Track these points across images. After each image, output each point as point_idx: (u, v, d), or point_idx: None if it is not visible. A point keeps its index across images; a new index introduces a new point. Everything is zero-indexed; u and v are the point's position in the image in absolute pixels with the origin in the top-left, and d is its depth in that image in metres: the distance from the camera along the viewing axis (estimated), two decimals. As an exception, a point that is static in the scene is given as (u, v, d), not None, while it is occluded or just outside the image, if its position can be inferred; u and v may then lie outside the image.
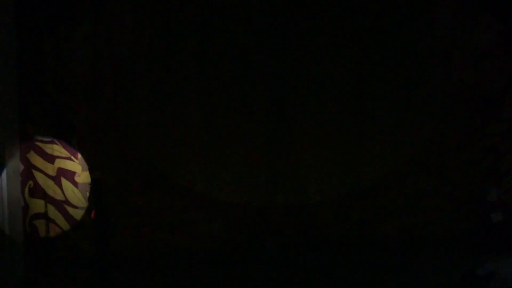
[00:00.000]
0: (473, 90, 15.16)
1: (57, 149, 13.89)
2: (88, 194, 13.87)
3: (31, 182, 13.96)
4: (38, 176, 13.95)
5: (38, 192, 13.98)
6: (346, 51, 15.05)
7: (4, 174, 11.93)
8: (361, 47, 15.05)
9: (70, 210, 14.10)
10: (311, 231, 15.04)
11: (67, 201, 14.15)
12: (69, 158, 13.76)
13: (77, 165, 14.07)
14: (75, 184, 14.17)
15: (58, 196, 14.09)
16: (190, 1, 14.72)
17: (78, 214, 14.06)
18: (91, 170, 13.90)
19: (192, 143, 14.77)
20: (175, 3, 14.65)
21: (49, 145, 13.73)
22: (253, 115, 14.99)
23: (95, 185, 12.76)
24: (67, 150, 13.71)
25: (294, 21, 14.92)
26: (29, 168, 13.84)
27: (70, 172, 14.14)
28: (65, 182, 14.11)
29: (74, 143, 14.10)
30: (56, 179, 14.03)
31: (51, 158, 13.97)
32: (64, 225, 14.12)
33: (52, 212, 13.90)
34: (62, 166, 14.01)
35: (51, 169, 14.00)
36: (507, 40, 15.04)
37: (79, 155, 13.60)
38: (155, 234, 14.57)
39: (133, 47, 14.48)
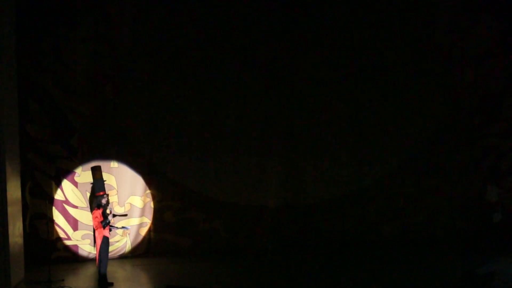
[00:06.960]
0: (473, 90, 15.19)
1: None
2: (88, 194, 13.87)
3: (31, 182, 13.97)
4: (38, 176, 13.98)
5: (38, 192, 14.02)
6: (346, 51, 15.07)
7: (4, 174, 11.91)
8: (361, 47, 15.07)
9: (70, 210, 14.13)
10: (311, 231, 15.05)
11: (67, 201, 14.17)
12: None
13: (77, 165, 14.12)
14: (75, 184, 14.20)
15: (58, 196, 14.11)
16: (190, 2, 14.75)
17: (78, 214, 14.12)
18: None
19: (192, 143, 14.78)
20: (174, 3, 14.66)
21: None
22: (253, 117, 15.00)
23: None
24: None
25: (294, 22, 14.94)
26: (29, 168, 13.87)
27: (70, 172, 14.18)
28: (65, 182, 14.13)
29: (74, 143, 14.09)
30: (56, 179, 14.06)
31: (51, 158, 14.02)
32: (64, 225, 14.15)
33: (52, 212, 13.93)
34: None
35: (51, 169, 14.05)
36: (507, 40, 15.07)
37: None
38: (156, 234, 14.61)
39: (133, 47, 14.50)
